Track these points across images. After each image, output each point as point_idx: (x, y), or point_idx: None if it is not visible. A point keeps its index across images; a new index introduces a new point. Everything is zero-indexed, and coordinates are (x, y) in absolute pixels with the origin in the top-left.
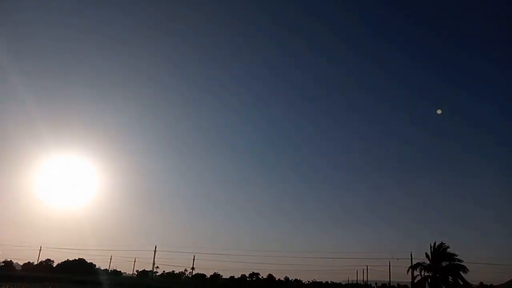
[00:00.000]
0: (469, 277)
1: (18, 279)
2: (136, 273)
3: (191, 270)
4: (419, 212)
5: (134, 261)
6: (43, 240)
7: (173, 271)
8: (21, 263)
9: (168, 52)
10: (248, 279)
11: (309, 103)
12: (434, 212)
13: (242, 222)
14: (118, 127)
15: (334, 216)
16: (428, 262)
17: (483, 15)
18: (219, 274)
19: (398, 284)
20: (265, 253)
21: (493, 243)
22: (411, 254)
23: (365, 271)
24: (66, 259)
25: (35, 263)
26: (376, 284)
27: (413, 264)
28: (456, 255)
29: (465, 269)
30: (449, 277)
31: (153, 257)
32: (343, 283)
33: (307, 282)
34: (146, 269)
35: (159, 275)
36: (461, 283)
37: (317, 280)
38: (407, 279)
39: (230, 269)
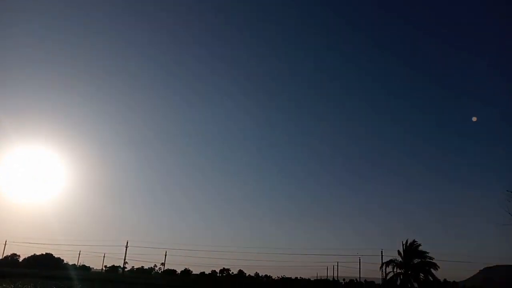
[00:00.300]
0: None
1: None
2: (104, 268)
3: (160, 266)
4: (387, 210)
5: (104, 257)
6: (8, 234)
7: (142, 266)
8: None
9: (136, 38)
10: (218, 275)
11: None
12: (402, 210)
13: (213, 218)
14: (85, 117)
15: (305, 213)
16: (400, 259)
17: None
18: (189, 270)
19: (365, 281)
20: (236, 249)
21: (455, 240)
22: (381, 252)
23: (335, 267)
24: (32, 254)
25: (0, 257)
26: (344, 280)
27: (383, 261)
28: (427, 253)
29: (435, 266)
30: (421, 274)
31: (123, 252)
32: (312, 279)
33: (276, 278)
34: (115, 265)
35: (128, 270)
36: (432, 279)
37: (286, 276)
38: (377, 275)
39: (200, 265)
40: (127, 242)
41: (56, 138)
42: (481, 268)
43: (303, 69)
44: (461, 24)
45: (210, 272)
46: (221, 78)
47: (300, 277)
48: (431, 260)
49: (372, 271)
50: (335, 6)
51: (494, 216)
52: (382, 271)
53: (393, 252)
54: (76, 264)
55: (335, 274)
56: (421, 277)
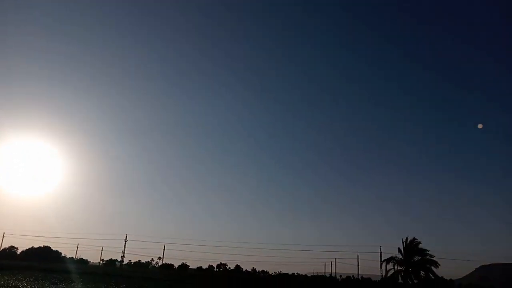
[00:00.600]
0: None
1: None
2: (102, 261)
3: (157, 260)
4: (385, 207)
5: (102, 250)
6: (6, 227)
7: (139, 260)
8: None
9: (136, 30)
10: (215, 269)
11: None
12: (399, 208)
13: (210, 213)
14: (83, 110)
15: (303, 209)
16: (401, 257)
17: None
18: (187, 265)
19: (361, 277)
20: (233, 244)
21: (452, 238)
22: (380, 248)
23: (333, 264)
24: (31, 247)
25: None
26: (340, 276)
27: (382, 258)
28: (427, 251)
29: (436, 264)
30: (421, 271)
31: (120, 246)
32: (309, 275)
33: (273, 274)
34: (112, 258)
35: (125, 264)
36: (433, 277)
37: (283, 272)
38: (374, 272)
39: (197, 260)
40: (126, 236)
41: (53, 132)
42: (477, 266)
43: (305, 64)
44: (462, 17)
45: (207, 266)
46: (220, 70)
47: (297, 273)
48: (431, 258)
49: (370, 268)
50: None
51: (491, 215)
52: (382, 268)
53: (389, 249)
54: (74, 257)
55: (333, 271)
56: (422, 274)
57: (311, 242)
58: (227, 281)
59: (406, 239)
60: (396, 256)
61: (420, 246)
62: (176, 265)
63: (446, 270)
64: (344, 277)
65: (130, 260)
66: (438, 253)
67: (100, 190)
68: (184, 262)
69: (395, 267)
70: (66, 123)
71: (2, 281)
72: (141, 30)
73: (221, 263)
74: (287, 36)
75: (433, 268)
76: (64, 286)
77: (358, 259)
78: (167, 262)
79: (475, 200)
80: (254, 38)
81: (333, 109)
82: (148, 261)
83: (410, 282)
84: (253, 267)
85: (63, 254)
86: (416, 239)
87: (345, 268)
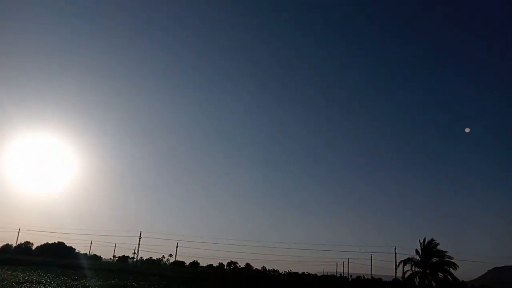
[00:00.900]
0: None
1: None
2: (114, 257)
3: (168, 257)
4: (400, 209)
5: (115, 247)
6: (21, 223)
7: (150, 257)
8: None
9: (150, 27)
10: (226, 267)
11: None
12: (413, 210)
13: (223, 211)
14: (97, 106)
15: (315, 209)
16: (418, 258)
17: None
18: (198, 262)
19: (372, 277)
20: (244, 243)
21: (464, 240)
22: (395, 249)
23: (345, 263)
24: (45, 242)
25: (14, 245)
26: (351, 276)
27: (396, 259)
28: (446, 252)
29: (455, 266)
30: (439, 273)
31: (132, 242)
32: (319, 275)
33: (283, 272)
34: (125, 255)
35: (137, 261)
36: (451, 279)
37: (293, 271)
38: (385, 273)
39: (208, 257)
40: (140, 233)
41: (67, 129)
42: (490, 268)
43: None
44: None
45: (218, 264)
46: (237, 71)
47: (307, 272)
48: (450, 260)
49: (381, 269)
50: None
51: (504, 216)
52: (399, 268)
53: (404, 249)
54: (88, 253)
55: (345, 270)
56: (440, 276)
57: (323, 242)
58: (238, 279)
59: (424, 240)
60: (413, 257)
61: (438, 247)
62: (187, 263)
63: (459, 272)
64: (354, 277)
65: (141, 257)
66: (450, 254)
67: (112, 186)
68: (195, 259)
69: (413, 268)
70: (80, 121)
71: (26, 277)
72: (153, 29)
73: (231, 261)
74: (292, 32)
75: (451, 270)
76: (86, 282)
77: (371, 259)
78: (179, 260)
79: (488, 201)
80: (267, 42)
81: (348, 106)
82: (159, 258)
83: (428, 284)
84: (263, 266)
85: (76, 250)
86: (434, 240)
87: (357, 268)
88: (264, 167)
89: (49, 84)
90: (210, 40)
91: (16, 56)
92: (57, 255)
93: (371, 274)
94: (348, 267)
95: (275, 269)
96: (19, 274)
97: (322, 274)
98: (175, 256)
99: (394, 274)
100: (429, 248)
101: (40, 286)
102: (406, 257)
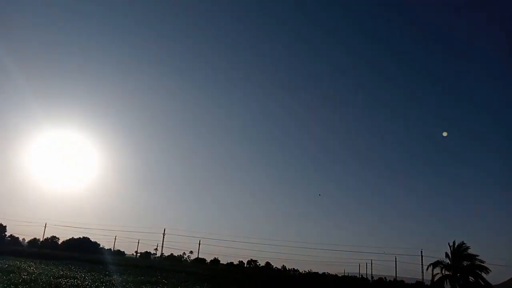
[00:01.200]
0: None
1: (27, 255)
2: (136, 253)
3: (189, 254)
4: (426, 211)
5: (138, 242)
6: (47, 217)
7: (171, 253)
8: (27, 238)
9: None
10: (246, 266)
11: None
12: (438, 213)
13: (243, 209)
14: (121, 102)
15: (338, 209)
16: (448, 261)
17: None
18: (218, 260)
19: (394, 279)
20: (265, 241)
21: (491, 243)
22: (421, 252)
23: (368, 264)
24: (71, 237)
25: (41, 239)
26: (372, 277)
27: (423, 261)
28: (477, 256)
29: (487, 270)
30: (470, 277)
31: (155, 238)
32: (339, 275)
33: (304, 272)
34: (147, 251)
35: (158, 256)
36: (483, 283)
37: (313, 271)
38: (407, 275)
39: (228, 255)
40: (164, 230)
41: (92, 125)
42: None
43: (304, 62)
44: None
45: (238, 262)
46: (247, 69)
47: (327, 273)
48: (481, 264)
49: (404, 271)
50: None
51: None
52: (427, 272)
53: (430, 252)
54: (112, 249)
55: (368, 272)
56: (471, 280)
57: (345, 242)
58: (258, 277)
59: (454, 243)
60: (443, 261)
61: (469, 251)
62: (208, 260)
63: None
64: (376, 278)
65: (163, 253)
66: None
67: (135, 183)
68: (216, 257)
69: (443, 272)
70: (104, 118)
71: (60, 271)
72: (167, 28)
73: (251, 259)
74: (288, 31)
75: (483, 274)
76: (117, 277)
77: (395, 261)
78: (200, 257)
79: None
80: (267, 41)
81: (366, 103)
82: (180, 255)
83: None
84: (283, 265)
85: (101, 246)
86: (464, 243)
87: (380, 270)
88: (288, 167)
89: (73, 82)
90: (220, 40)
91: (42, 53)
92: (82, 250)
93: (396, 275)
94: (371, 268)
95: (295, 268)
96: (53, 269)
97: (343, 275)
98: (198, 253)
99: (416, 277)
100: (459, 251)
101: (76, 281)
102: (431, 260)
